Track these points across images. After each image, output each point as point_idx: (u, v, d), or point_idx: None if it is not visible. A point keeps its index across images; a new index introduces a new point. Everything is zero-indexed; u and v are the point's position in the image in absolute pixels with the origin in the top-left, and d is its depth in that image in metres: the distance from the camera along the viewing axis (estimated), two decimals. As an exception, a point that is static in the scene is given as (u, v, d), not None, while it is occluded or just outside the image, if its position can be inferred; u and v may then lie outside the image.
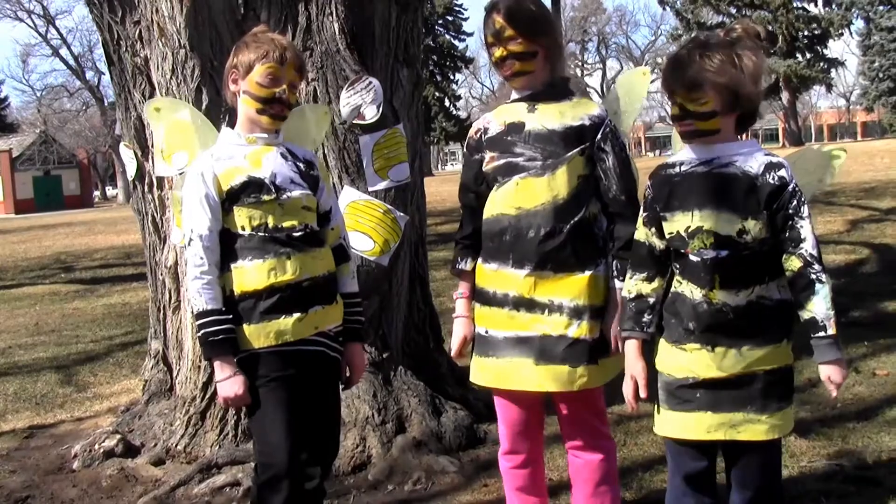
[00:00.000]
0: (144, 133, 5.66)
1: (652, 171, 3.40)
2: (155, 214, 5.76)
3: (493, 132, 3.75)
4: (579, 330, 3.58)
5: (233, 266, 3.54)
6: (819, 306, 3.09)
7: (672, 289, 3.29)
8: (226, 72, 3.73)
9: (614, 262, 3.61)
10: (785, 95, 65.31)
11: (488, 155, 3.73)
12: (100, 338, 10.44)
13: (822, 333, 3.10)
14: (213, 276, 3.50)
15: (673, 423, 3.29)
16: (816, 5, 64.19)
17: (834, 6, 63.94)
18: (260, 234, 3.53)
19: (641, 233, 3.38)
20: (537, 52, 3.64)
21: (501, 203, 3.66)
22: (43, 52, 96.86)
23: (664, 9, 66.55)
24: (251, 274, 3.52)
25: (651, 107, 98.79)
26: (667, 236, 3.28)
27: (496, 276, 3.68)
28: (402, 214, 5.44)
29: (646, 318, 3.34)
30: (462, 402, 5.64)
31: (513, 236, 3.63)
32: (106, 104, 71.03)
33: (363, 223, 5.31)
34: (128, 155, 5.86)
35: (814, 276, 3.10)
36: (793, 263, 3.12)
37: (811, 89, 73.30)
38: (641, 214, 3.39)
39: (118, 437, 5.65)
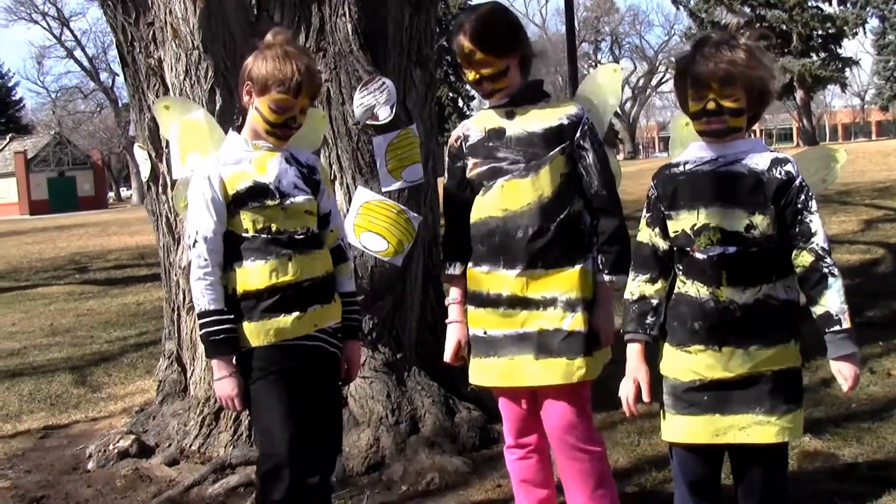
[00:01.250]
0: (158, 134, 5.66)
1: (655, 172, 3.39)
2: (169, 215, 5.77)
3: (473, 139, 3.80)
4: (574, 322, 3.61)
5: (236, 266, 3.64)
6: (833, 300, 3.04)
7: (675, 290, 3.27)
8: (241, 74, 3.74)
9: (600, 257, 3.67)
10: (799, 95, 65.12)
11: (471, 161, 3.78)
12: (114, 338, 10.47)
13: (836, 328, 3.04)
14: (216, 276, 3.60)
15: (680, 428, 3.24)
16: (831, 4, 63.98)
17: (848, 5, 63.73)
18: (263, 235, 3.62)
19: (645, 234, 3.35)
20: (508, 68, 3.67)
21: (488, 206, 3.70)
22: (57, 53, 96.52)
23: (678, 8, 66.48)
24: (254, 274, 3.61)
25: (665, 106, 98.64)
26: (671, 235, 3.26)
27: (489, 277, 3.72)
28: (415, 215, 5.44)
29: (649, 319, 3.30)
30: (475, 403, 5.63)
31: (501, 238, 3.67)
32: (120, 105, 71.20)
33: (377, 224, 5.32)
34: (142, 156, 5.88)
35: (826, 270, 3.06)
36: (804, 258, 3.09)
37: (825, 89, 73.12)
38: (645, 215, 3.36)
39: (132, 437, 5.67)
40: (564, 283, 3.63)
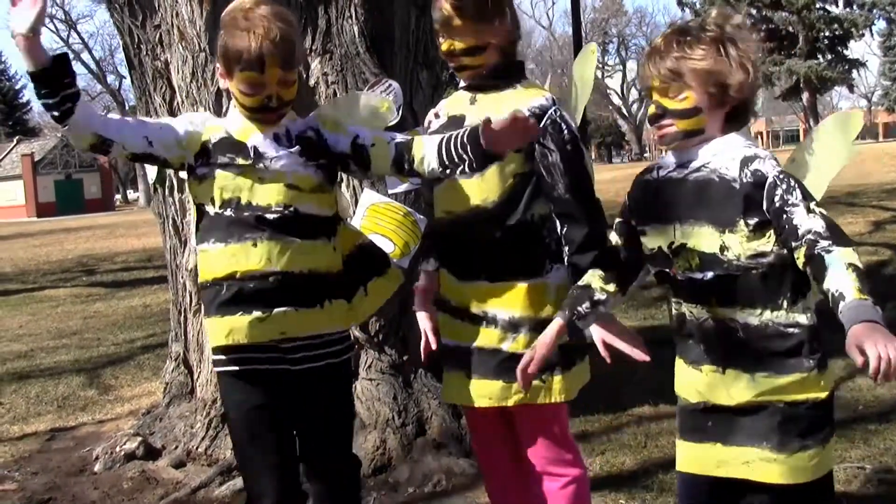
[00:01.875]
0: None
1: (634, 178, 2.99)
2: (175, 217, 5.78)
3: (436, 125, 3.43)
4: (515, 344, 3.22)
5: (199, 248, 3.20)
6: (833, 276, 2.40)
7: (673, 310, 2.87)
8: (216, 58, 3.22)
9: (570, 270, 3.20)
10: (805, 96, 65.00)
11: None
12: (121, 340, 10.48)
13: (841, 303, 2.35)
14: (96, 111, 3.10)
15: (685, 455, 2.86)
16: (838, 6, 63.88)
17: (855, 7, 63.62)
18: (227, 212, 3.08)
19: (612, 236, 3.02)
20: (488, 46, 3.23)
21: (438, 206, 3.38)
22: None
23: (682, 10, 66.30)
24: (214, 259, 3.12)
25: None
26: (647, 253, 2.88)
27: (444, 280, 3.40)
28: (421, 217, 5.41)
29: (582, 307, 2.95)
30: (482, 405, 5.63)
31: (449, 242, 3.36)
32: (127, 108, 71.37)
33: (383, 226, 5.30)
34: (148, 158, 5.88)
35: (819, 251, 2.45)
36: (801, 257, 2.51)
37: (832, 90, 73.02)
38: (616, 220, 3.00)
39: (139, 439, 5.67)
40: (509, 299, 3.23)
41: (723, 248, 2.67)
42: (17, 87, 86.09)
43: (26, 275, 19.70)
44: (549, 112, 3.21)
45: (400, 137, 3.23)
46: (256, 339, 3.11)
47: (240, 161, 3.08)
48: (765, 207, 2.61)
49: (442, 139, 3.12)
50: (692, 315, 2.79)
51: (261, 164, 3.08)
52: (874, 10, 63.45)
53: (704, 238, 2.70)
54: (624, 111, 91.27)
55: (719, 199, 2.67)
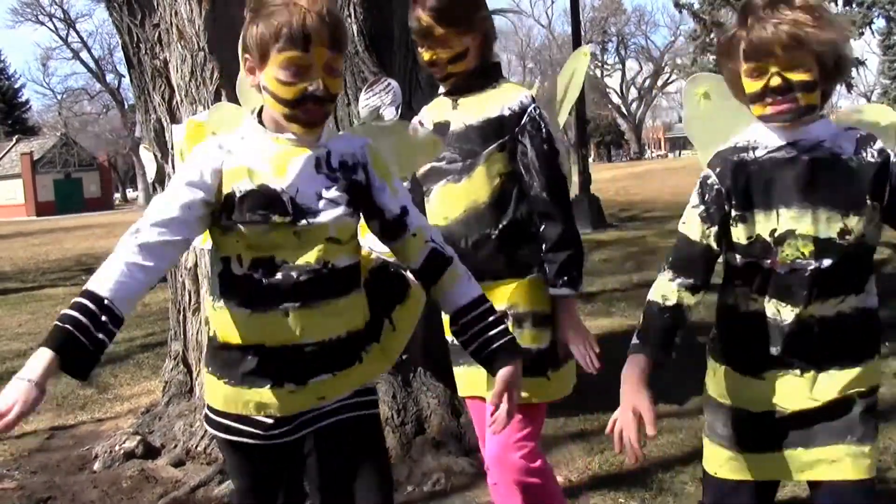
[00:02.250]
0: (164, 135, 5.68)
1: (714, 157, 2.63)
2: (175, 216, 5.77)
3: None
4: (522, 338, 3.18)
5: (217, 305, 2.64)
6: None
7: (740, 308, 2.63)
8: (240, 50, 2.67)
9: (546, 267, 3.21)
10: (805, 95, 64.99)
11: None
12: (120, 339, 10.44)
13: None
14: (143, 259, 2.56)
15: (745, 466, 2.65)
16: (836, 4, 63.86)
17: (854, 6, 63.62)
18: (257, 275, 2.56)
19: (696, 229, 2.60)
20: (468, 50, 3.24)
21: (432, 214, 3.34)
22: (63, 55, 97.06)
23: (680, 12, 66.23)
24: (238, 322, 2.60)
25: (671, 107, 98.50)
26: (744, 242, 2.55)
27: None
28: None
29: (678, 337, 2.63)
30: (481, 404, 5.63)
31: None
32: (126, 107, 71.37)
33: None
34: (147, 157, 5.89)
35: None
36: None
37: (831, 89, 73.03)
38: (698, 206, 2.60)
39: (138, 438, 5.67)
40: (511, 294, 3.25)
41: (843, 232, 2.47)
42: (17, 85, 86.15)
43: (25, 274, 19.68)
44: (529, 110, 3.20)
45: (437, 241, 2.83)
46: (290, 412, 2.65)
47: (276, 219, 2.54)
48: (888, 189, 2.48)
49: (474, 309, 2.84)
50: (775, 314, 2.56)
51: (303, 221, 2.56)
52: (873, 9, 63.46)
53: (822, 223, 2.48)
54: (623, 110, 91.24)
55: (841, 180, 2.48)
